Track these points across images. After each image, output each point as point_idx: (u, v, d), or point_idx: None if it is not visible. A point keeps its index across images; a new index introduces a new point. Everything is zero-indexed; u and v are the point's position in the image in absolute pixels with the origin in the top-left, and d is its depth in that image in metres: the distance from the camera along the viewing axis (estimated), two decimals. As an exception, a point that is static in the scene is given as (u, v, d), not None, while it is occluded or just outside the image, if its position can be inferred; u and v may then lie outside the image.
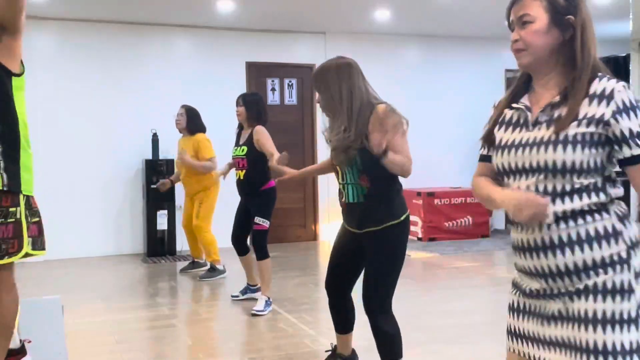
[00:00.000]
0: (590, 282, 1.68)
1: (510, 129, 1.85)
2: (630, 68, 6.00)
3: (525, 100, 1.83)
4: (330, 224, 8.36)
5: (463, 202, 8.49)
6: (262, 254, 5.06)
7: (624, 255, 1.68)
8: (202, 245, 6.37)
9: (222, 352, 4.23)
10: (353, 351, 3.49)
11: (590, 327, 1.66)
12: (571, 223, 1.70)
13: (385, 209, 3.00)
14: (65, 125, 7.56)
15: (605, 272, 1.67)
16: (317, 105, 3.31)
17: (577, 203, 1.70)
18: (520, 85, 1.87)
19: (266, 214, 5.05)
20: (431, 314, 4.96)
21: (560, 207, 1.70)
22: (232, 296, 5.46)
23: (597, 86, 1.69)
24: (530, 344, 1.82)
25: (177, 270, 6.77)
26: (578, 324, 1.69)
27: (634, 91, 5.29)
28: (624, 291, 1.66)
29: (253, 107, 5.18)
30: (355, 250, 3.15)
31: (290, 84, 8.59)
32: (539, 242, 1.74)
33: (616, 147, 1.68)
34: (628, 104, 1.66)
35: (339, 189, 3.13)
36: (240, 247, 5.31)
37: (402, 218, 3.03)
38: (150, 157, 7.67)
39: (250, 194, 5.11)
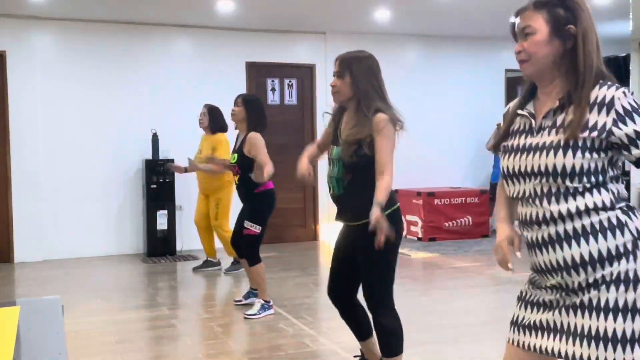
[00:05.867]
0: (600, 275, 1.75)
1: (517, 135, 1.93)
2: (631, 68, 5.98)
3: (530, 107, 1.91)
4: (330, 224, 8.34)
5: (463, 202, 8.49)
6: (252, 260, 4.95)
7: (629, 246, 1.75)
8: (223, 244, 6.42)
9: (222, 352, 4.22)
10: (381, 358, 3.28)
11: (594, 315, 1.73)
12: (576, 219, 1.77)
13: (370, 200, 2.93)
14: (65, 125, 7.56)
15: (611, 265, 1.74)
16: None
17: (580, 202, 1.78)
18: (527, 94, 1.95)
19: (258, 218, 4.87)
20: (431, 314, 4.96)
21: (564, 206, 1.78)
22: (235, 301, 5.37)
23: (597, 93, 1.76)
24: (539, 334, 1.87)
25: (178, 270, 6.78)
26: (589, 313, 1.75)
27: (633, 91, 5.29)
28: (629, 281, 1.73)
29: (253, 110, 4.98)
30: (353, 254, 3.12)
31: (290, 84, 8.59)
32: (550, 236, 1.81)
33: (625, 152, 1.76)
34: (630, 109, 1.73)
35: (327, 183, 3.20)
36: (239, 251, 5.26)
37: (390, 211, 2.98)
38: (150, 157, 7.67)
39: (245, 197, 5.02)
